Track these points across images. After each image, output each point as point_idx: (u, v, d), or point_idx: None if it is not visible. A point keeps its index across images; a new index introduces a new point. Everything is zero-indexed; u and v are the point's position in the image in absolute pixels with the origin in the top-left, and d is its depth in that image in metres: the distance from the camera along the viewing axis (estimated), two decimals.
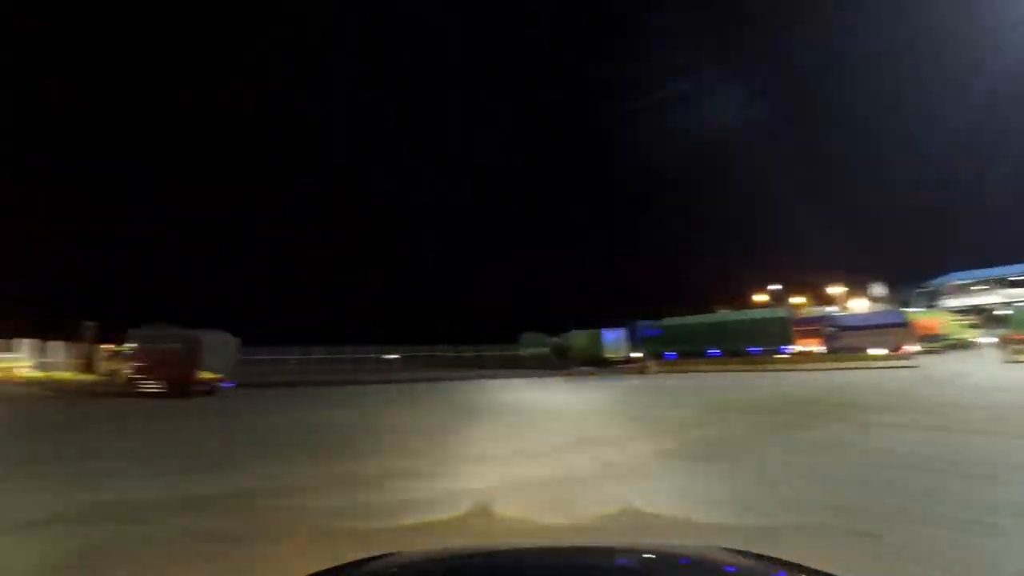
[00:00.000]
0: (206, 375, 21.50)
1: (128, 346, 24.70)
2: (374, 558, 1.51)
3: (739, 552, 1.53)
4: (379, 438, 10.49)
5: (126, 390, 21.05)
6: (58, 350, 33.25)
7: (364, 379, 31.10)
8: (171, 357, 21.36)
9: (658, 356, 38.78)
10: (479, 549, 2.34)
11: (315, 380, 30.46)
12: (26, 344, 32.10)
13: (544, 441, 9.39)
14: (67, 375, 30.44)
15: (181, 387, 20.44)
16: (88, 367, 30.94)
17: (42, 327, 33.63)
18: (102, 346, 31.92)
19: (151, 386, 20.64)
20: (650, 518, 4.81)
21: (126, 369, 22.68)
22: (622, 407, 15.36)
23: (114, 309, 35.02)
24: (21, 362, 31.04)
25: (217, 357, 22.16)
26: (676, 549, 1.93)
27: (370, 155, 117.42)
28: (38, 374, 30.19)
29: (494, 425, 11.74)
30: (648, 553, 1.71)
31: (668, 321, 44.73)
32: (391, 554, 1.59)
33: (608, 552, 1.86)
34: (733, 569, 1.44)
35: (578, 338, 46.17)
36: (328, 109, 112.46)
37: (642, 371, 34.61)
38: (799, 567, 1.39)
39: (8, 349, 31.32)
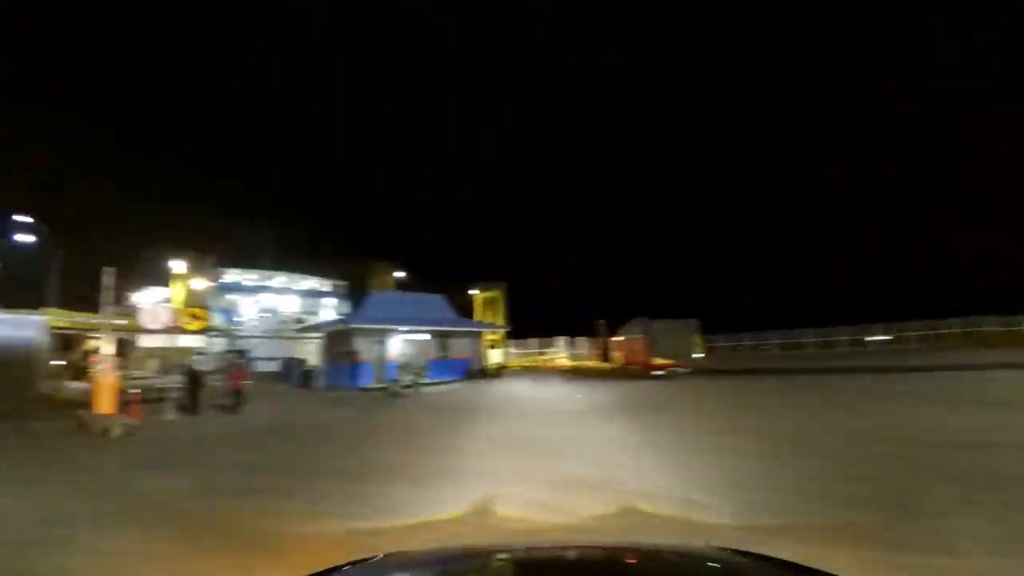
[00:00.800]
0: (660, 360, 22.28)
1: (618, 338, 28.57)
2: (374, 558, 1.51)
3: (738, 551, 1.51)
4: None
5: (622, 374, 23.67)
6: (583, 344, 41.30)
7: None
8: (635, 345, 23.28)
9: None
10: (479, 549, 2.12)
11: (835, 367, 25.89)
12: (562, 340, 41.35)
13: None
14: (591, 363, 37.26)
15: (643, 370, 22.05)
16: (604, 356, 36.93)
17: (571, 326, 42.51)
18: (611, 339, 37.91)
19: (633, 369, 22.70)
20: None
21: (619, 356, 26.14)
22: None
23: (627, 307, 40.63)
24: (560, 354, 40.14)
25: (669, 343, 22.87)
26: (675, 548, 1.91)
27: (370, 155, 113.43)
28: (571, 363, 38.17)
29: None
30: (647, 552, 1.72)
31: None
32: (391, 554, 1.59)
33: (608, 551, 1.83)
34: (731, 568, 1.43)
35: None
36: (328, 109, 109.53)
37: None
38: (798, 567, 1.33)
39: (551, 345, 41.03)
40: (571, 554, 1.74)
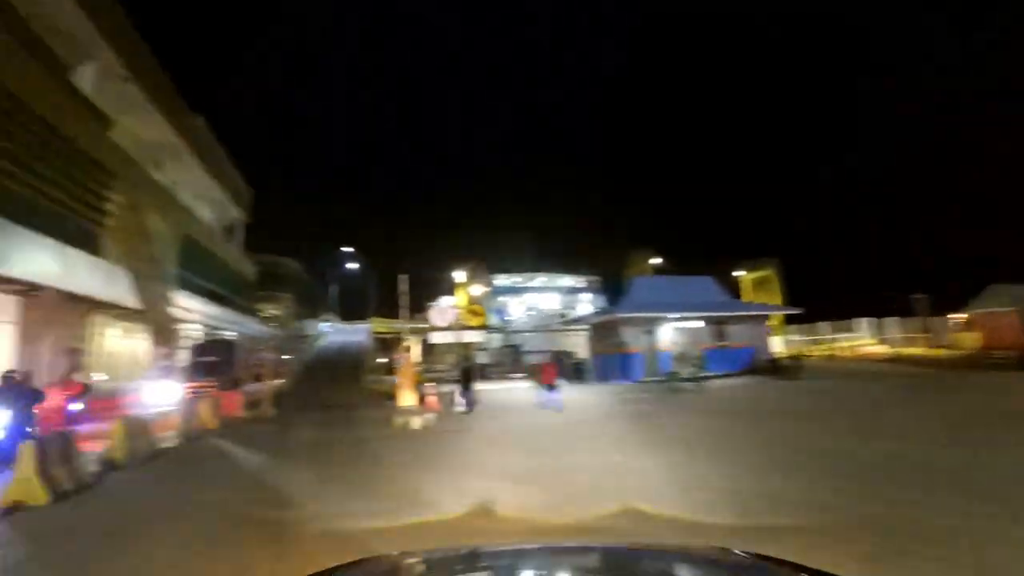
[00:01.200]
0: None
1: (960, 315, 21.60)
2: (374, 558, 1.52)
3: (738, 552, 1.46)
4: None
5: (977, 363, 17.27)
6: (893, 325, 32.52)
7: None
8: (1000, 322, 16.85)
9: None
10: (479, 549, 2.00)
11: None
12: (864, 322, 33.22)
13: None
14: (915, 350, 28.72)
15: (1020, 356, 16.13)
16: (938, 340, 28.31)
17: (875, 304, 33.98)
18: (941, 317, 29.13)
19: (997, 357, 16.48)
20: None
21: (971, 339, 19.45)
22: None
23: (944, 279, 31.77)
24: (865, 340, 32.18)
25: None
26: (675, 548, 1.89)
27: (370, 155, 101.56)
28: (884, 349, 30.14)
29: None
30: (648, 552, 1.68)
31: None
32: (391, 554, 1.60)
33: (608, 551, 1.74)
34: (732, 568, 1.40)
35: None
36: (328, 109, 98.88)
37: None
38: (799, 567, 1.31)
39: (848, 329, 33.35)
40: (572, 554, 1.64)
